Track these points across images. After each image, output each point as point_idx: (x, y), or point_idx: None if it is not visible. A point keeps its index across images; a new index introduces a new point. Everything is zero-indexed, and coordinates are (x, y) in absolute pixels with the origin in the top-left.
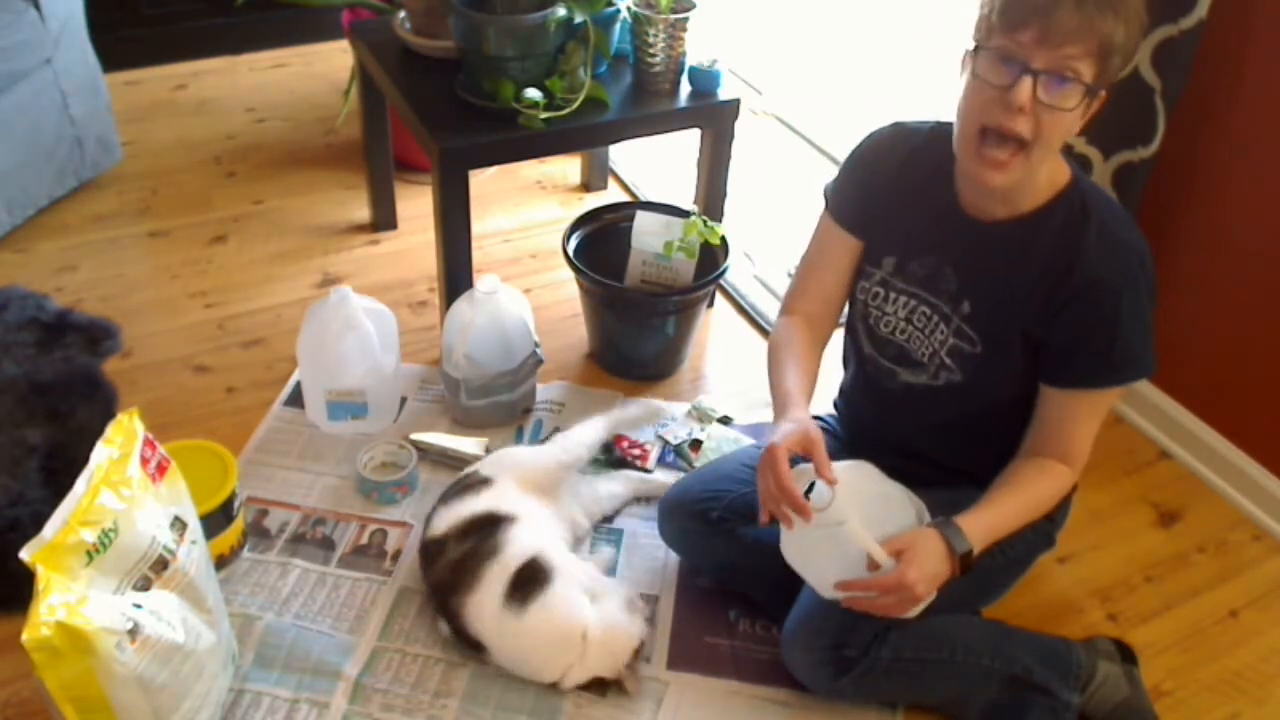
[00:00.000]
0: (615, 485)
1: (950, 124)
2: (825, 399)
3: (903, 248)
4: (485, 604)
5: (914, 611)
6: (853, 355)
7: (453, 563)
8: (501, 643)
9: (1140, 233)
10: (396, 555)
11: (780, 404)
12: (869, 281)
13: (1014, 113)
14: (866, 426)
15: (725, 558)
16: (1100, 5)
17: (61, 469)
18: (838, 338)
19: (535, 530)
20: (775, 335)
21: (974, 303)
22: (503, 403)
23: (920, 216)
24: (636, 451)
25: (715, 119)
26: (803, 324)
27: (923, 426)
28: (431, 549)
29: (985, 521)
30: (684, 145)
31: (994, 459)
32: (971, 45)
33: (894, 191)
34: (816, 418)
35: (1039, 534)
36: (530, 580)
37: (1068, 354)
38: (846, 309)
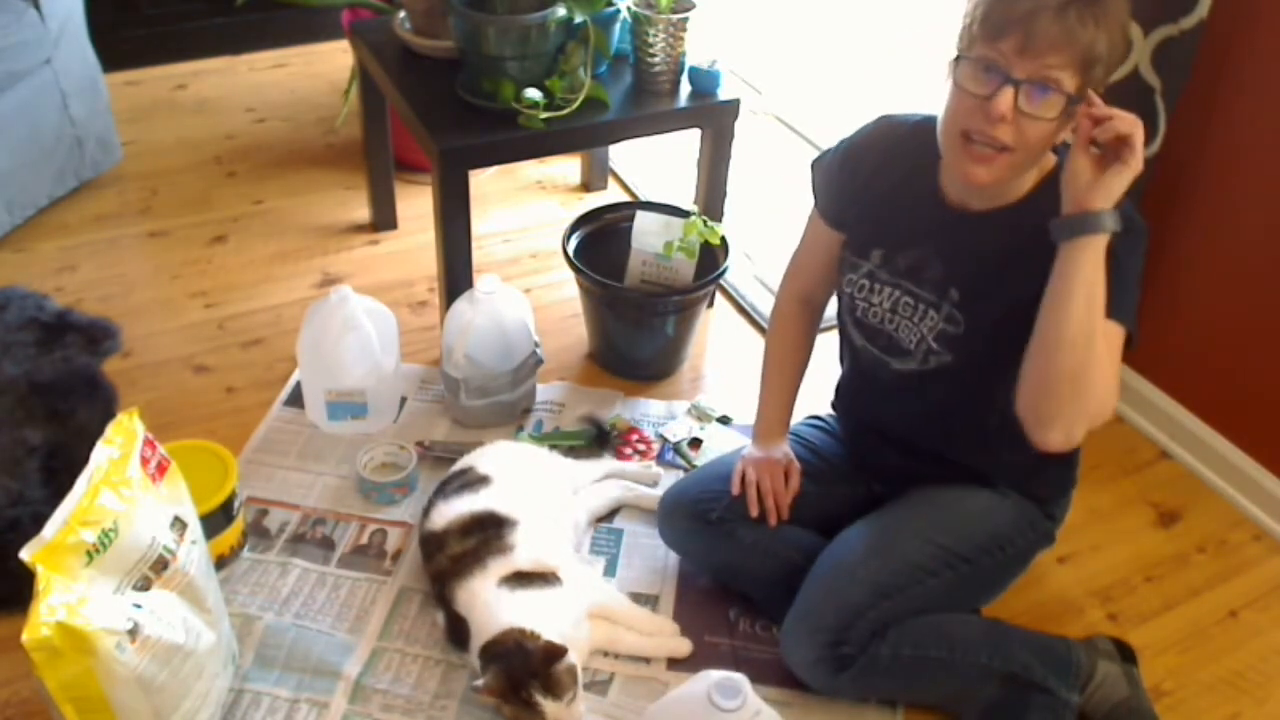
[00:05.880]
0: (610, 490)
1: (935, 117)
2: (823, 401)
3: (890, 241)
4: (479, 588)
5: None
6: (846, 350)
7: (454, 555)
8: (476, 609)
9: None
10: (396, 555)
11: (765, 421)
12: (855, 274)
13: (995, 121)
14: (864, 424)
15: (724, 558)
16: (1081, 15)
17: (61, 469)
18: (833, 337)
19: (546, 541)
20: (772, 328)
21: (962, 289)
22: (503, 403)
23: (906, 209)
24: (642, 447)
25: (715, 119)
26: (798, 307)
27: (917, 415)
28: (431, 542)
29: None
30: (684, 145)
31: (991, 451)
32: (958, 52)
33: (879, 185)
34: (816, 417)
35: (1038, 532)
36: (535, 579)
37: None
38: (835, 304)
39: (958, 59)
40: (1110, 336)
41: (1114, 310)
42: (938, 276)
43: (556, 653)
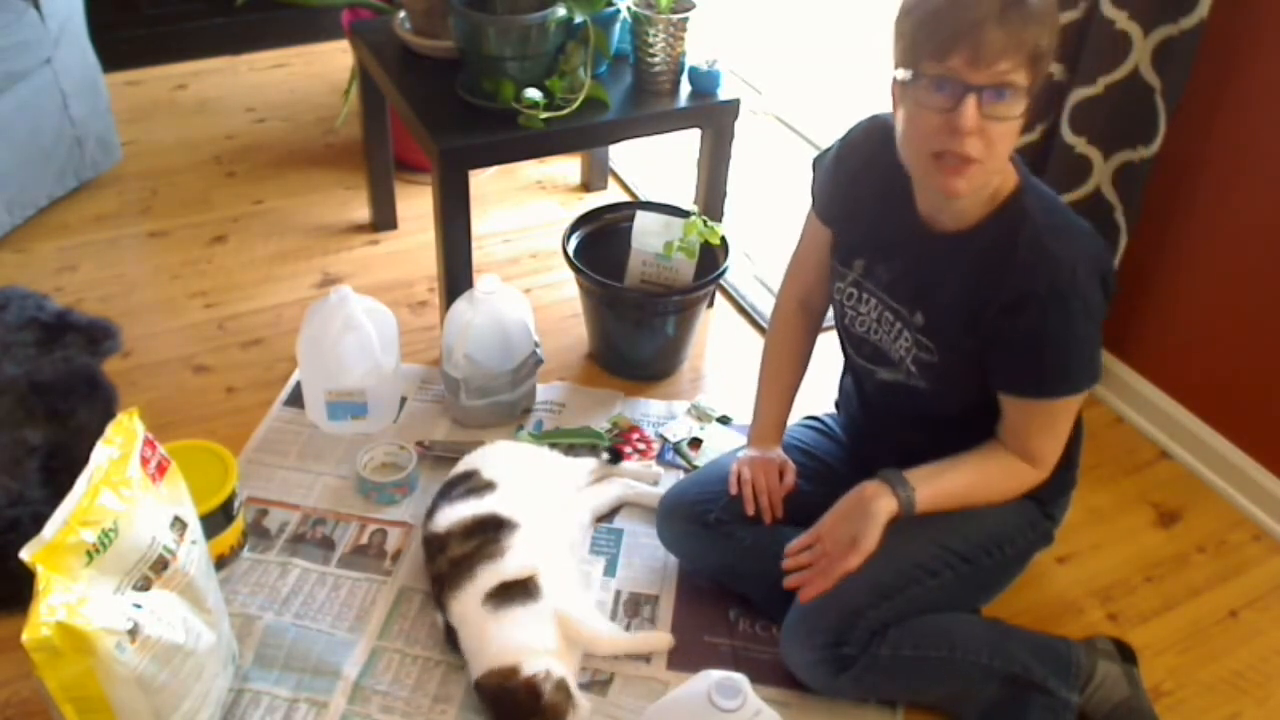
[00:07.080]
0: (611, 488)
1: None
2: (825, 401)
3: (871, 250)
4: (468, 603)
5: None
6: (842, 355)
7: (453, 559)
8: (465, 631)
9: (1085, 241)
10: (396, 555)
11: (760, 425)
12: (843, 282)
13: (963, 135)
14: (862, 426)
15: (723, 560)
16: (1022, 17)
17: (61, 469)
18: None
19: (537, 545)
20: (771, 332)
21: (925, 314)
22: (503, 403)
23: (885, 219)
24: (643, 446)
25: (715, 119)
26: (796, 310)
27: (909, 421)
28: (434, 544)
29: (930, 483)
30: (684, 145)
31: None
32: (904, 75)
33: (863, 189)
34: (813, 418)
35: (1038, 532)
36: (516, 591)
37: (1000, 364)
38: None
39: (913, 78)
40: (1048, 411)
41: (1064, 388)
42: (908, 296)
43: (536, 687)
